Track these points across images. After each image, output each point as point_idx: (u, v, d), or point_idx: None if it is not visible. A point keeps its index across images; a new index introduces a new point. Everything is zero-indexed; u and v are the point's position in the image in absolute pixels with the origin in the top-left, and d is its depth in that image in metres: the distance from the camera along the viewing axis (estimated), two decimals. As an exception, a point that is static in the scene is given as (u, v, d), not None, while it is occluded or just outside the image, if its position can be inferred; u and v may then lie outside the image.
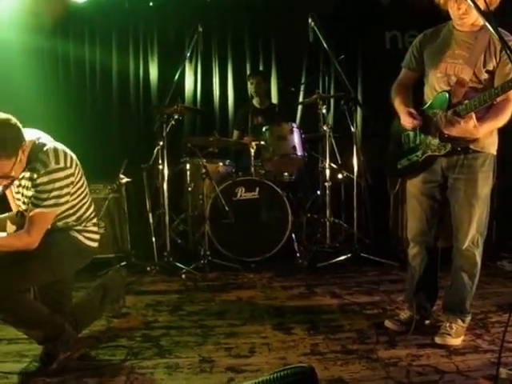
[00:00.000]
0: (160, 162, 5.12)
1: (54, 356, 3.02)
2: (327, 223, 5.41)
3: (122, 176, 5.10)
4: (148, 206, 5.24)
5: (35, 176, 2.88)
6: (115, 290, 3.67)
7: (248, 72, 6.46)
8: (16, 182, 3.02)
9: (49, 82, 6.24)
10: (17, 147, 2.81)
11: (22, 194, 3.04)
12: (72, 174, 3.01)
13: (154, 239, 5.12)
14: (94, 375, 2.93)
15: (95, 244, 3.27)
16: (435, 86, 3.21)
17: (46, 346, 3.05)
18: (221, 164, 5.59)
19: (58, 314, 3.11)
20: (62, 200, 2.96)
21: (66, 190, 2.96)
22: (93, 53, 6.40)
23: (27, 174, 2.94)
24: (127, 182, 5.16)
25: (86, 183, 3.19)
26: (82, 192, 3.15)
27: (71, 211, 3.10)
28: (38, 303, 3.06)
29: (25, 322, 2.96)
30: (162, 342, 3.36)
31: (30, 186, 2.94)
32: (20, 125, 2.85)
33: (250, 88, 6.15)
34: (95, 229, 3.27)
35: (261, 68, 6.51)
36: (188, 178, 5.37)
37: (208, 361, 3.07)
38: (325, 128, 5.30)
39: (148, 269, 4.96)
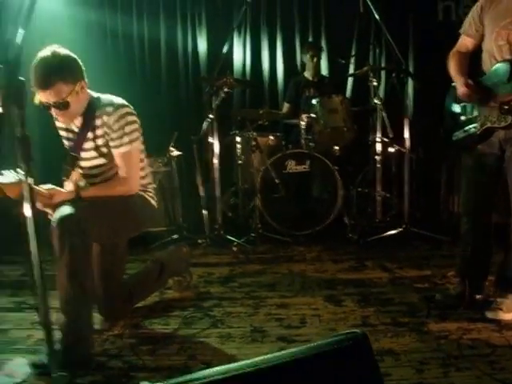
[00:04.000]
0: (210, 134, 5.19)
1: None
2: (377, 197, 5.41)
3: (171, 149, 5.20)
4: (199, 179, 5.32)
5: (105, 118, 3.00)
6: (174, 264, 3.78)
7: (297, 44, 6.44)
8: (87, 145, 3.10)
9: (97, 55, 6.32)
10: (75, 76, 2.93)
11: (97, 148, 3.10)
12: (139, 126, 3.12)
13: (204, 212, 5.22)
14: (148, 343, 3.05)
15: (156, 205, 3.37)
16: (495, 54, 3.08)
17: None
18: (271, 137, 5.61)
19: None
20: (138, 141, 3.09)
21: (137, 134, 3.08)
22: (141, 25, 6.47)
23: (98, 122, 3.03)
24: (178, 155, 5.26)
25: None
26: (143, 155, 3.24)
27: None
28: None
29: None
30: (214, 313, 3.46)
31: (101, 133, 3.04)
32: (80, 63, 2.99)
33: (306, 59, 6.10)
34: (153, 191, 3.37)
35: (310, 39, 6.47)
36: (238, 151, 5.42)
37: (259, 331, 3.16)
38: (376, 101, 5.25)
39: (199, 242, 5.07)
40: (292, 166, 5.29)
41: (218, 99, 5.07)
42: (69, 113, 2.99)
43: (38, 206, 2.85)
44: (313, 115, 5.38)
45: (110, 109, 3.00)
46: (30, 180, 2.07)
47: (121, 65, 6.46)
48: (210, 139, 5.18)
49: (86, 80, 3.04)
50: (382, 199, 5.44)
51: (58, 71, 2.84)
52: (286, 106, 6.22)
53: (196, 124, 5.41)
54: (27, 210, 2.07)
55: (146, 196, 3.28)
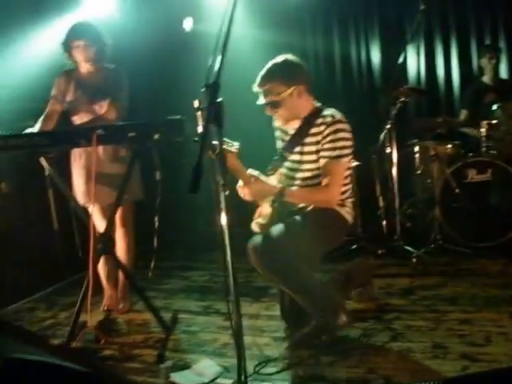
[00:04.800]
0: (388, 145, 5.15)
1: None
2: None
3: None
4: (378, 190, 5.31)
5: (322, 128, 3.13)
6: (360, 276, 3.82)
7: (474, 47, 6.16)
8: (297, 149, 3.26)
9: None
10: (292, 79, 3.15)
11: (306, 154, 3.22)
12: (351, 145, 3.19)
13: (383, 222, 5.19)
14: (328, 354, 3.10)
15: (351, 220, 3.37)
16: None
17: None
18: (449, 145, 5.41)
19: None
20: (347, 158, 3.16)
21: (347, 151, 3.15)
22: (316, 41, 6.58)
23: (314, 130, 3.18)
24: (356, 165, 5.28)
25: None
26: (349, 172, 3.31)
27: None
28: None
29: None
30: (395, 326, 3.44)
31: (315, 141, 3.17)
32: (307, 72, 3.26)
33: (483, 63, 5.84)
34: (351, 206, 3.38)
35: (487, 41, 6.15)
36: (417, 161, 5.32)
37: (441, 346, 3.09)
38: None
39: (378, 252, 5.06)
40: (473, 175, 5.08)
41: (394, 109, 5.03)
42: (283, 114, 3.22)
43: (241, 193, 3.16)
44: (493, 121, 5.13)
45: (329, 120, 3.13)
46: (227, 193, 2.23)
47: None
48: (388, 149, 5.14)
49: (309, 88, 3.23)
50: None
51: (277, 71, 3.14)
52: (463, 113, 5.97)
53: (372, 135, 5.40)
54: (223, 219, 2.23)
55: (343, 212, 3.29)
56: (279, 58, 3.21)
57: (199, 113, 2.22)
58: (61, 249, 4.60)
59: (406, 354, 3.03)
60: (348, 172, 3.25)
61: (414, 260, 4.76)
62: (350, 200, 3.35)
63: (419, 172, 5.28)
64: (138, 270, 4.18)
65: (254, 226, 3.32)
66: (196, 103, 2.22)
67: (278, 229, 3.07)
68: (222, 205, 2.24)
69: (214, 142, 2.30)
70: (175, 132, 3.17)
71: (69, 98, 3.93)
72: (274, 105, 3.16)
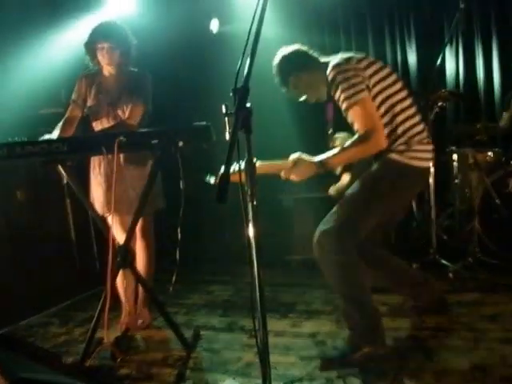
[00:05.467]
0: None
1: (356, 347, 3.27)
2: None
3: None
4: (413, 201, 5.31)
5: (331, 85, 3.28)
6: (427, 292, 3.83)
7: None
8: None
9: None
10: (298, 68, 3.48)
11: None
12: (355, 72, 3.22)
13: (418, 235, 5.18)
14: (359, 374, 3.12)
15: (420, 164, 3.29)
16: None
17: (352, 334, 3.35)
18: (490, 153, 5.38)
19: None
20: (359, 95, 3.16)
21: (353, 90, 3.16)
22: (349, 44, 6.59)
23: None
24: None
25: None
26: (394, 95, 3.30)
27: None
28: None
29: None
30: (430, 344, 3.45)
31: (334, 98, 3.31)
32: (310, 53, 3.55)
33: None
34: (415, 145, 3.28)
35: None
36: (455, 170, 5.32)
37: (480, 368, 3.07)
38: None
39: (414, 266, 5.01)
40: (515, 185, 5.07)
41: (432, 114, 5.03)
42: (310, 97, 3.60)
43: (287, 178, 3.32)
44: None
45: (329, 75, 3.28)
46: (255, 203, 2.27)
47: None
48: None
49: (313, 63, 3.53)
50: None
51: (282, 72, 3.55)
52: (505, 118, 5.95)
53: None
54: (250, 230, 2.27)
55: (402, 158, 3.25)
56: (276, 59, 3.57)
57: (226, 119, 2.26)
58: (78, 261, 4.67)
59: (443, 376, 3.02)
60: (382, 108, 3.24)
61: (451, 275, 4.77)
62: (416, 138, 3.28)
63: (457, 181, 5.28)
64: (158, 284, 4.21)
65: (331, 190, 3.68)
66: (223, 108, 2.26)
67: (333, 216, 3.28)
68: (250, 215, 2.27)
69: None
70: (201, 139, 3.23)
71: (90, 102, 4.01)
72: (298, 96, 3.57)
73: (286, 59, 3.53)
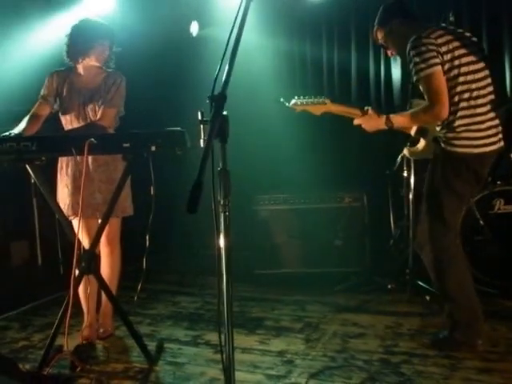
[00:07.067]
0: (405, 168, 5.16)
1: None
2: None
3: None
4: (392, 217, 5.32)
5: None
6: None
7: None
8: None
9: (286, 83, 6.56)
10: (384, 21, 3.91)
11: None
12: (426, 48, 3.51)
13: (395, 254, 5.20)
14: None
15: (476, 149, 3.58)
16: None
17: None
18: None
19: None
20: (432, 68, 3.49)
21: (425, 64, 3.48)
22: (331, 51, 6.60)
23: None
24: (369, 190, 5.32)
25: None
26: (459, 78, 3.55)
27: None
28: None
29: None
30: (403, 370, 3.43)
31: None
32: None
33: None
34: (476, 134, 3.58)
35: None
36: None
37: (455, 398, 3.05)
38: None
39: (389, 287, 5.05)
40: (501, 206, 5.06)
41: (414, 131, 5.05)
42: (392, 51, 4.03)
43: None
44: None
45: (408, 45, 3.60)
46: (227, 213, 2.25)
47: (309, 93, 6.65)
48: (405, 174, 5.15)
49: (403, 21, 3.83)
50: None
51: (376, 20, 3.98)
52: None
53: (389, 157, 5.42)
54: (221, 241, 2.25)
55: (455, 149, 3.59)
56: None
57: (202, 126, 2.25)
58: (41, 264, 4.63)
59: (414, 403, 3.02)
60: (452, 82, 3.51)
61: (428, 297, 4.74)
62: (471, 121, 3.55)
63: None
64: (123, 292, 4.19)
65: (406, 152, 4.29)
66: (199, 115, 2.25)
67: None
68: (222, 226, 2.27)
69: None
70: (175, 144, 3.20)
71: (60, 99, 3.96)
72: (384, 47, 3.99)
73: (386, 10, 3.93)
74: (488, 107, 3.57)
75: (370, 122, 3.85)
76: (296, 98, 4.08)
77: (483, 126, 3.54)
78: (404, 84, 6.34)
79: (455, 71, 3.49)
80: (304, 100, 4.06)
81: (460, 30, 3.76)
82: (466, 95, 3.52)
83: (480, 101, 3.54)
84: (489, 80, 3.62)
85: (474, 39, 3.76)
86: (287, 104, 4.09)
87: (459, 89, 3.51)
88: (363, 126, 3.88)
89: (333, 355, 3.72)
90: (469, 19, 6.11)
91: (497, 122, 3.62)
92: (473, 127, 3.53)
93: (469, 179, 3.65)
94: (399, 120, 3.77)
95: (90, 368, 3.58)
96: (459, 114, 3.53)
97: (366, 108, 3.90)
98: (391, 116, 3.76)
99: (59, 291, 4.59)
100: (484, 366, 3.44)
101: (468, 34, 3.75)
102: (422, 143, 4.06)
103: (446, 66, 3.48)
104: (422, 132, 3.95)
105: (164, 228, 5.61)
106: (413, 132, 4.01)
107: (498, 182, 5.24)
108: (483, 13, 6.11)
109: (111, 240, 4.05)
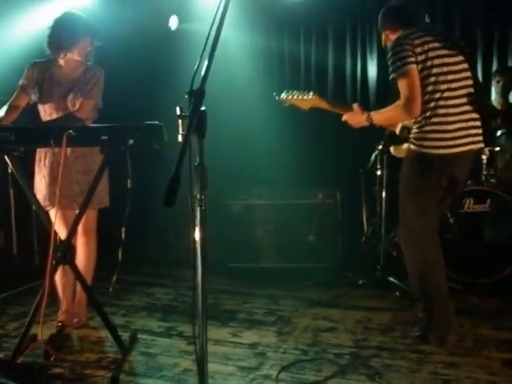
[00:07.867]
0: (378, 166, 5.22)
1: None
2: None
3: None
4: (364, 214, 5.38)
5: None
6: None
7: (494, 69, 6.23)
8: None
9: (263, 79, 6.60)
10: (382, 25, 4.03)
11: None
12: (403, 49, 3.63)
13: (367, 250, 5.26)
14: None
15: (441, 150, 3.65)
16: None
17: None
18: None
19: None
20: (405, 67, 3.60)
21: (400, 62, 3.60)
22: (308, 49, 6.69)
23: None
24: (342, 188, 5.38)
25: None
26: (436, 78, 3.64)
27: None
28: None
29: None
30: (372, 363, 3.49)
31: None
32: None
33: (496, 87, 5.92)
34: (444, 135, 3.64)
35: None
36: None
37: (422, 393, 3.10)
38: None
39: (360, 282, 5.11)
40: (470, 205, 5.14)
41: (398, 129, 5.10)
42: None
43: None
44: (497, 148, 5.23)
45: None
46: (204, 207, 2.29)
47: (286, 89, 6.69)
48: (379, 172, 5.21)
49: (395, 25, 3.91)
50: None
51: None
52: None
53: (365, 155, 5.48)
54: (196, 234, 2.27)
55: (422, 149, 3.68)
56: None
57: (180, 121, 2.27)
58: (17, 254, 4.61)
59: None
60: (424, 82, 3.60)
61: (398, 293, 4.81)
62: (439, 121, 3.63)
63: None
64: (98, 283, 4.19)
65: (392, 149, 4.65)
66: (178, 110, 2.27)
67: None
68: (198, 220, 2.29)
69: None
70: (152, 138, 3.22)
71: (40, 91, 3.95)
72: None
73: (383, 14, 4.03)
74: (462, 108, 3.62)
75: (355, 118, 3.98)
76: (285, 92, 4.21)
77: (451, 127, 3.59)
78: (379, 81, 6.43)
79: (426, 71, 3.58)
80: (294, 95, 4.22)
81: (448, 33, 3.97)
82: (437, 95, 3.59)
83: (452, 101, 3.60)
84: (467, 82, 3.67)
85: (460, 42, 3.84)
86: (277, 97, 4.26)
87: (430, 88, 3.59)
88: (349, 121, 4.01)
89: (304, 348, 3.77)
90: (442, 20, 6.21)
91: (472, 123, 3.66)
92: (440, 127, 3.60)
93: (437, 179, 3.70)
94: (377, 117, 3.88)
95: (63, 357, 3.58)
96: (428, 113, 3.61)
97: (353, 105, 4.03)
98: (372, 113, 3.88)
99: (34, 281, 4.58)
100: (450, 361, 3.50)
101: (454, 37, 3.92)
102: (405, 145, 4.18)
103: (420, 66, 3.57)
104: (406, 131, 4.03)
105: (140, 220, 5.61)
106: (397, 130, 4.16)
107: (468, 182, 5.33)
108: (456, 14, 6.22)
109: (87, 231, 4.07)
